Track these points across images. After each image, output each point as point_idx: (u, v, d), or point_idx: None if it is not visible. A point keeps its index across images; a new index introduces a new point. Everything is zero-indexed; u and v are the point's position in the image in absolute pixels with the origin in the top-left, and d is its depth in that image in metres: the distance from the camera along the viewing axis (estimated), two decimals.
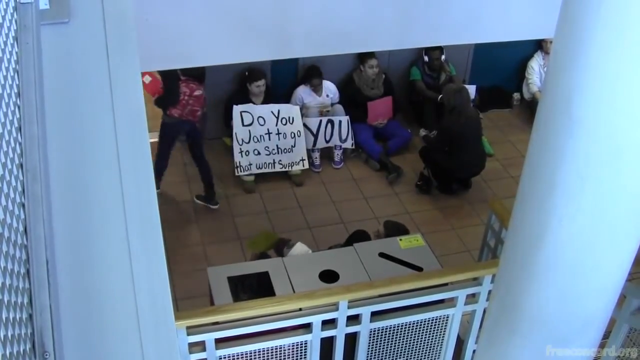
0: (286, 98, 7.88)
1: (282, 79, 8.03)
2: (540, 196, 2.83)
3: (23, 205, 1.30)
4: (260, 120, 7.44)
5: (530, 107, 8.80)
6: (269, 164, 7.52)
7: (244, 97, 7.55)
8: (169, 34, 4.15)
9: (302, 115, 7.68)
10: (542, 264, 2.92)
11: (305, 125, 7.65)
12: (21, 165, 1.35)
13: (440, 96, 7.89)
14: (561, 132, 2.64)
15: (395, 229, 5.79)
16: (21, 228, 1.26)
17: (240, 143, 7.41)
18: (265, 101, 7.60)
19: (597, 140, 2.57)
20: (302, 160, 7.60)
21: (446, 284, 4.76)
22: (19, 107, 1.40)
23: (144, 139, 1.83)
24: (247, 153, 7.42)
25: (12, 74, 1.38)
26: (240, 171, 7.43)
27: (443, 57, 8.35)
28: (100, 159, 1.77)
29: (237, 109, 7.41)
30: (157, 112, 8.48)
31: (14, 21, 1.49)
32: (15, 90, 1.40)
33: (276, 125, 7.48)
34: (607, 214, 2.73)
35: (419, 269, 4.99)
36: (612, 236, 2.81)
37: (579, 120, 2.55)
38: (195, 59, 4.50)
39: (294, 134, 7.53)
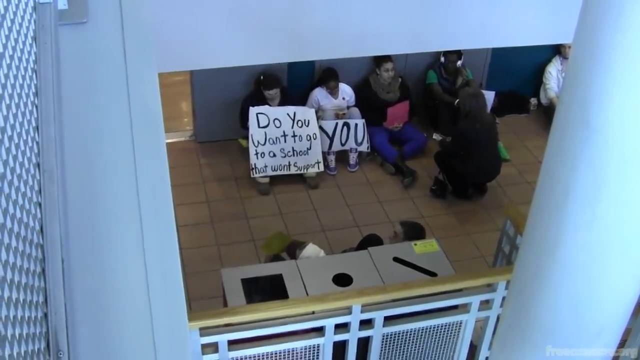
0: (302, 100, 7.89)
1: (299, 81, 8.04)
2: (555, 203, 2.82)
3: (39, 205, 1.31)
4: (276, 122, 7.45)
5: (547, 112, 8.76)
6: (284, 166, 7.52)
7: (261, 99, 7.56)
8: (184, 36, 4.17)
9: (318, 118, 7.68)
10: (556, 271, 2.91)
11: (321, 127, 7.65)
12: (38, 165, 1.36)
13: (457, 100, 7.87)
14: (577, 139, 2.63)
15: (412, 229, 5.79)
16: (37, 227, 1.27)
17: (256, 145, 7.42)
18: (282, 103, 7.60)
19: (614, 148, 2.56)
20: (318, 162, 7.60)
21: (460, 290, 4.74)
22: (36, 107, 1.41)
23: (160, 139, 1.84)
24: (262, 155, 7.44)
25: (30, 73, 1.38)
26: (256, 173, 7.44)
27: (460, 62, 8.32)
28: (116, 160, 1.78)
29: (253, 111, 7.42)
30: (175, 113, 8.54)
31: (32, 21, 1.50)
32: (33, 90, 1.41)
33: (292, 127, 7.49)
34: (623, 222, 2.71)
35: (433, 274, 4.97)
36: (628, 245, 2.80)
37: (595, 128, 2.54)
38: (210, 60, 4.52)
39: (310, 136, 7.54)
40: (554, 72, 8.86)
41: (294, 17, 4.34)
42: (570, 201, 2.73)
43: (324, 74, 7.86)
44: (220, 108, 7.96)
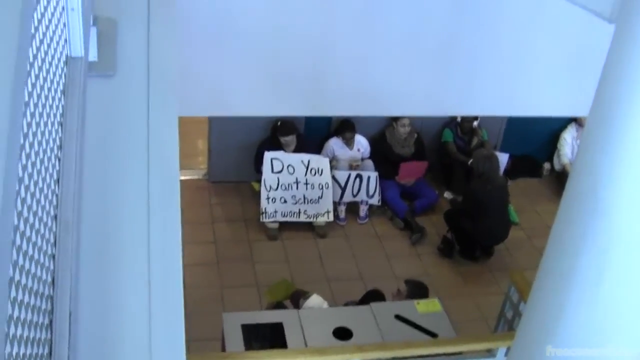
0: (318, 148, 7.95)
1: (316, 130, 8.11)
2: (560, 277, 2.83)
3: (53, 257, 1.35)
4: (290, 168, 7.51)
5: (560, 178, 8.78)
6: (294, 213, 7.55)
7: (276, 144, 7.62)
8: (209, 83, 4.25)
9: (332, 168, 7.73)
10: (557, 345, 2.91)
11: (334, 177, 7.70)
12: (55, 217, 1.40)
13: (471, 160, 7.90)
14: (586, 214, 2.65)
15: (417, 288, 5.79)
16: (50, 279, 1.30)
17: (268, 189, 7.46)
18: (297, 150, 7.65)
19: (621, 227, 2.58)
20: (328, 212, 7.62)
21: (460, 353, 4.73)
22: (59, 160, 1.46)
23: (174, 192, 1.88)
24: (273, 200, 7.47)
25: (56, 127, 1.43)
26: (265, 217, 7.47)
27: (476, 123, 8.39)
28: (131, 210, 1.82)
29: (268, 156, 7.48)
30: (190, 150, 8.62)
31: (63, 75, 1.55)
32: (58, 143, 1.46)
33: (305, 175, 7.54)
34: (626, 302, 2.72)
35: (434, 334, 4.96)
36: (631, 321, 2.80)
37: (604, 205, 2.56)
38: (233, 108, 4.60)
39: (322, 185, 7.57)
40: (569, 138, 8.90)
41: (317, 74, 4.43)
42: (575, 277, 2.74)
43: (341, 125, 7.93)
44: (235, 150, 8.03)
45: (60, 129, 1.48)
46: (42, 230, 1.22)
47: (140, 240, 1.78)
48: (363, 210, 7.94)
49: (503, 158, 8.10)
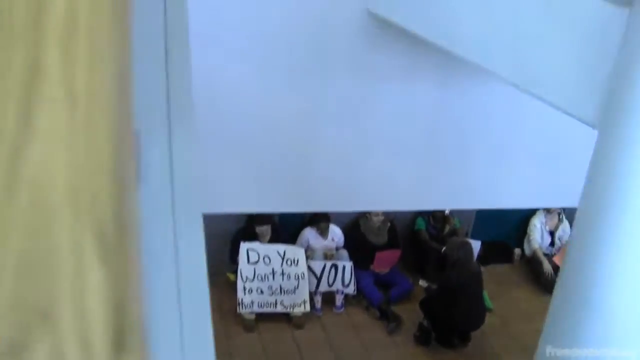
0: (293, 238, 7.98)
1: (290, 219, 8.14)
2: None
3: None
4: (266, 259, 7.51)
5: (530, 263, 8.89)
6: (271, 303, 7.51)
7: (252, 235, 7.64)
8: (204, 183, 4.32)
9: (307, 258, 7.74)
10: None
11: (309, 267, 7.70)
12: None
13: (444, 248, 8.00)
14: (578, 313, 2.70)
15: None
16: None
17: (244, 280, 7.43)
18: (272, 240, 7.68)
19: (616, 327, 2.64)
20: (304, 302, 7.60)
21: None
22: None
23: (205, 304, 1.90)
24: (250, 291, 7.44)
25: None
26: (242, 308, 7.41)
27: (447, 211, 8.52)
28: (162, 305, 1.84)
29: (244, 246, 7.47)
30: None
31: None
32: None
33: (281, 265, 7.54)
34: None
35: None
36: None
37: (598, 306, 2.62)
38: (222, 205, 4.66)
39: (298, 275, 7.57)
40: (538, 224, 9.06)
41: (301, 173, 4.53)
42: None
43: (316, 215, 7.97)
44: (210, 240, 7.91)
45: None
46: None
47: (173, 335, 1.80)
48: (339, 299, 7.94)
49: (476, 245, 8.21)
